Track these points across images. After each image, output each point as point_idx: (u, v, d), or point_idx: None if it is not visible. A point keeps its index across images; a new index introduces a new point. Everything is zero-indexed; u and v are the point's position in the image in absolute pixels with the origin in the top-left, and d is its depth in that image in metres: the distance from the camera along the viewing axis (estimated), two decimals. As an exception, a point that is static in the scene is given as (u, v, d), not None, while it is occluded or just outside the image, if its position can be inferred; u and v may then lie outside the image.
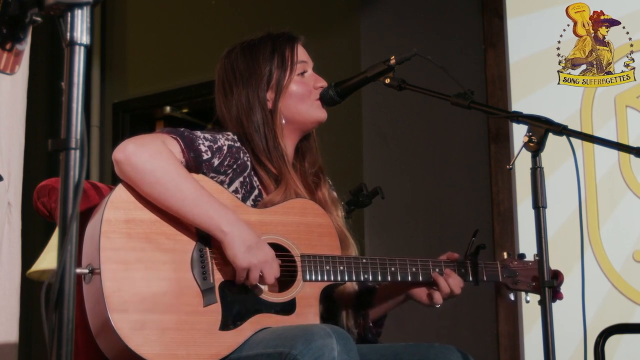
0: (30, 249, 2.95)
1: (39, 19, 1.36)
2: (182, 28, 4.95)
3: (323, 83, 2.17)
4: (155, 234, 1.87)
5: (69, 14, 1.27)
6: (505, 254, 2.19)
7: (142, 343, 1.76)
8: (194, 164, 1.95)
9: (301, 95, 2.13)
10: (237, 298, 1.90)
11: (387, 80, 2.11)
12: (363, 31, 4.10)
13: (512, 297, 2.17)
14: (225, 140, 2.03)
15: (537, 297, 2.03)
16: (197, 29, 4.87)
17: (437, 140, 3.87)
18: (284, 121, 2.12)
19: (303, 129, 2.17)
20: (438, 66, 2.04)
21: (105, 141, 5.10)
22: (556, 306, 1.89)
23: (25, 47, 1.46)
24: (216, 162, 1.98)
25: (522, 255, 2.20)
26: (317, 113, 2.15)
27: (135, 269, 1.81)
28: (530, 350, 3.46)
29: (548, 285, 1.84)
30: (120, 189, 1.88)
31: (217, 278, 1.89)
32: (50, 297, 1.22)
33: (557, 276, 2.09)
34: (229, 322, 1.86)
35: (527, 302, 2.14)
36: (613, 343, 2.81)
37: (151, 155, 1.87)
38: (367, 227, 3.86)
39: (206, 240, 1.91)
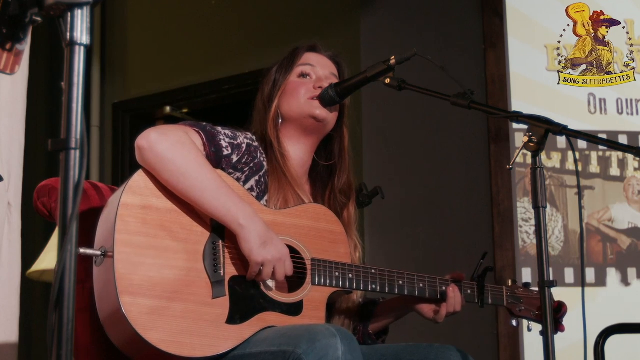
0: (30, 249, 2.95)
1: (39, 19, 1.36)
2: (182, 28, 4.95)
3: (323, 84, 2.18)
4: (170, 222, 1.87)
5: (69, 14, 1.26)
6: (510, 281, 2.23)
7: (149, 328, 1.77)
8: (215, 158, 1.98)
9: (295, 94, 2.16)
10: (245, 294, 1.90)
11: (387, 80, 2.11)
12: (363, 31, 4.10)
13: (514, 323, 2.20)
14: (244, 138, 2.07)
15: (540, 327, 2.05)
16: (197, 29, 4.87)
17: (437, 140, 3.87)
18: (280, 120, 2.16)
19: (303, 127, 2.17)
20: (438, 66, 2.04)
21: (105, 141, 5.10)
22: (556, 306, 1.89)
23: (25, 47, 1.46)
24: (235, 158, 2.01)
25: (528, 284, 2.23)
26: (310, 109, 2.15)
27: (147, 255, 1.82)
28: (530, 350, 3.46)
29: (548, 285, 1.84)
30: (139, 175, 1.89)
31: (228, 272, 1.90)
32: (50, 297, 1.22)
33: (560, 307, 2.11)
34: (236, 316, 1.87)
35: (529, 330, 2.16)
36: (613, 343, 2.81)
37: (174, 144, 1.89)
38: (367, 227, 3.86)
39: (220, 233, 1.92)
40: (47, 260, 2.81)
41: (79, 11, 1.27)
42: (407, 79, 2.10)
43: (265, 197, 2.06)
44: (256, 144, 2.09)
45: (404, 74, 2.12)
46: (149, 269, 1.81)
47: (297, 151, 2.18)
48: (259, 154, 2.07)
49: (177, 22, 4.99)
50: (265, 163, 2.08)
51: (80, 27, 1.27)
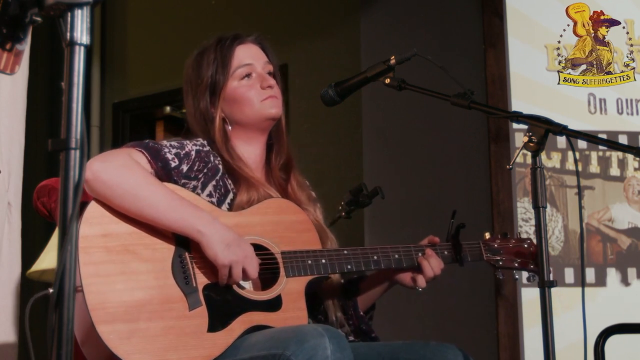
0: (30, 249, 2.95)
1: (39, 19, 1.36)
2: (182, 28, 4.95)
3: (270, 82, 2.14)
4: (133, 245, 1.86)
5: (69, 14, 1.26)
6: (487, 234, 2.20)
7: (131, 352, 1.76)
8: (163, 173, 1.96)
9: (246, 100, 2.12)
10: (222, 299, 1.89)
11: (387, 80, 2.11)
12: (363, 31, 4.10)
13: (499, 275, 2.17)
14: (192, 145, 2.05)
15: (525, 274, 2.07)
16: (196, 29, 4.87)
17: (437, 140, 3.87)
18: (230, 127, 2.13)
19: (259, 128, 2.16)
20: (438, 66, 2.04)
21: (105, 141, 5.11)
22: (556, 306, 1.89)
23: (25, 47, 1.46)
24: (185, 168, 2.00)
25: (505, 234, 2.21)
26: (266, 111, 2.13)
27: (117, 281, 1.81)
28: (530, 350, 3.46)
29: (548, 285, 1.84)
30: (93, 206, 1.88)
31: (200, 282, 1.89)
32: (50, 297, 1.22)
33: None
34: (217, 323, 1.86)
35: (516, 279, 2.16)
36: (613, 343, 2.81)
37: (117, 169, 1.88)
38: (367, 227, 3.86)
39: (185, 245, 1.91)
40: (47, 260, 2.81)
41: (79, 11, 1.27)
42: (407, 79, 2.10)
43: (228, 198, 2.04)
44: (207, 148, 2.07)
45: (404, 74, 2.12)
46: (121, 295, 1.80)
47: (255, 150, 2.16)
48: (212, 157, 2.06)
49: (177, 22, 4.99)
50: (220, 166, 2.06)
51: (80, 27, 1.27)
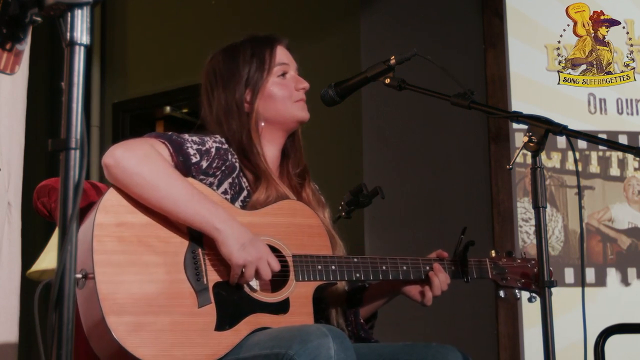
0: (30, 249, 2.95)
1: (39, 19, 1.36)
2: (182, 28, 4.95)
3: (305, 84, 2.17)
4: (147, 236, 1.86)
5: (69, 14, 1.27)
6: (493, 251, 2.21)
7: (138, 344, 1.76)
8: (183, 167, 1.96)
9: (280, 97, 2.14)
10: (231, 299, 1.89)
11: (387, 80, 2.11)
12: (363, 31, 4.10)
13: (502, 294, 2.19)
14: (212, 142, 2.04)
15: (527, 294, 2.07)
16: (196, 29, 4.88)
17: (437, 140, 3.87)
18: (262, 123, 2.14)
19: (285, 129, 2.17)
20: (438, 66, 2.04)
21: (105, 141, 5.10)
22: (556, 306, 1.89)
23: (25, 47, 1.46)
24: (204, 164, 2.00)
25: (510, 253, 2.22)
26: (298, 113, 2.15)
27: (128, 272, 1.81)
28: (530, 350, 3.46)
29: (548, 285, 1.84)
30: (111, 193, 1.88)
31: (211, 279, 1.89)
32: (50, 297, 1.22)
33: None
34: (225, 322, 1.86)
35: (517, 298, 2.17)
36: (613, 343, 2.82)
37: (140, 158, 1.88)
38: (367, 227, 3.86)
39: (199, 241, 1.91)
40: (47, 260, 2.81)
41: (79, 11, 1.27)
42: (407, 79, 2.10)
43: (242, 196, 2.05)
44: (226, 146, 2.07)
45: (404, 74, 2.12)
46: (132, 287, 1.80)
47: (274, 150, 2.17)
48: (229, 156, 2.06)
49: (177, 22, 4.99)
50: (237, 164, 2.06)
51: (80, 27, 1.27)
